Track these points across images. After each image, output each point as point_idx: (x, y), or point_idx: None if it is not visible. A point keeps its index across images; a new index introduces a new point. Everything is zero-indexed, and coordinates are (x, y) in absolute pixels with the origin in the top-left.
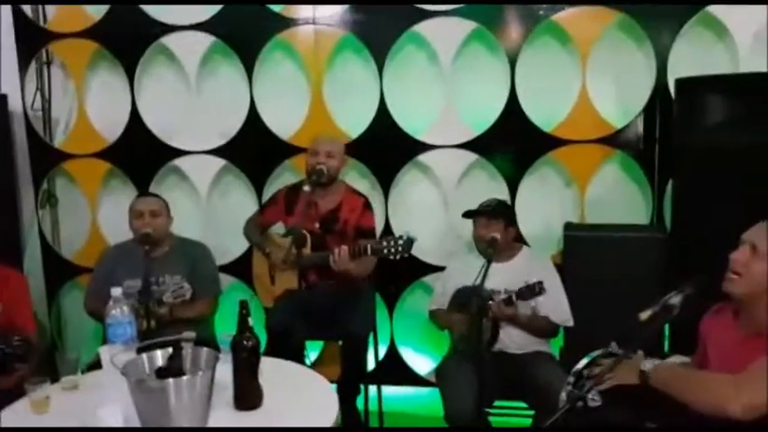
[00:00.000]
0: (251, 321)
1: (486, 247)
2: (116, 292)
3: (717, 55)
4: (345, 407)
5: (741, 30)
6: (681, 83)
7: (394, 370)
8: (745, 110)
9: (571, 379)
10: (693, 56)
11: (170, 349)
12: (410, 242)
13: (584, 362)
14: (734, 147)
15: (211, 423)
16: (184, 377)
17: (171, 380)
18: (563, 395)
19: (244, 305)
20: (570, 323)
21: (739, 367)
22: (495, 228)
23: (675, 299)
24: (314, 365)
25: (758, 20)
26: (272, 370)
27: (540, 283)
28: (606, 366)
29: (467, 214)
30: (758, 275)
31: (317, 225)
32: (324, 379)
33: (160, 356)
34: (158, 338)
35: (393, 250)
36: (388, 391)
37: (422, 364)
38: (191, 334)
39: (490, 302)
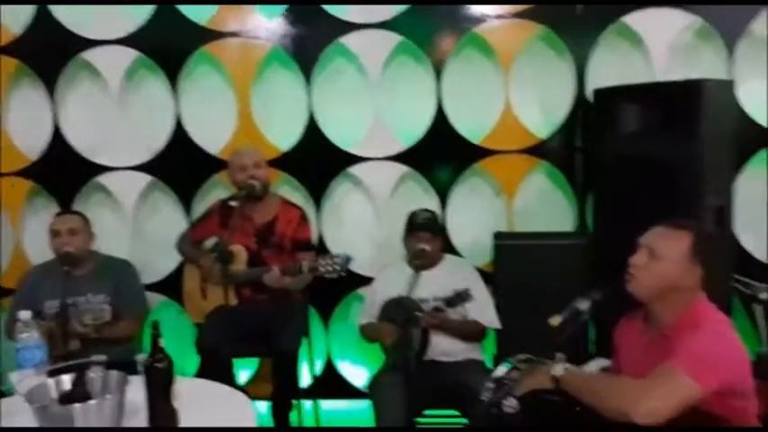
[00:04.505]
0: (162, 342)
1: (418, 258)
2: (25, 315)
3: (634, 65)
4: (279, 424)
5: (656, 39)
6: (599, 93)
7: (331, 384)
8: (660, 118)
9: (490, 385)
10: (612, 66)
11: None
12: (347, 260)
13: (503, 368)
14: (648, 154)
15: None
16: (91, 402)
17: (76, 405)
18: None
19: (155, 326)
20: (497, 325)
21: (647, 370)
22: (426, 239)
23: (584, 304)
24: (249, 383)
25: (672, 29)
26: (191, 390)
27: (468, 290)
28: (522, 372)
29: (411, 229)
30: (656, 277)
31: (253, 239)
32: (243, 396)
33: (68, 381)
34: (69, 362)
35: (330, 269)
36: (326, 405)
37: (359, 376)
38: (101, 357)
39: (419, 312)
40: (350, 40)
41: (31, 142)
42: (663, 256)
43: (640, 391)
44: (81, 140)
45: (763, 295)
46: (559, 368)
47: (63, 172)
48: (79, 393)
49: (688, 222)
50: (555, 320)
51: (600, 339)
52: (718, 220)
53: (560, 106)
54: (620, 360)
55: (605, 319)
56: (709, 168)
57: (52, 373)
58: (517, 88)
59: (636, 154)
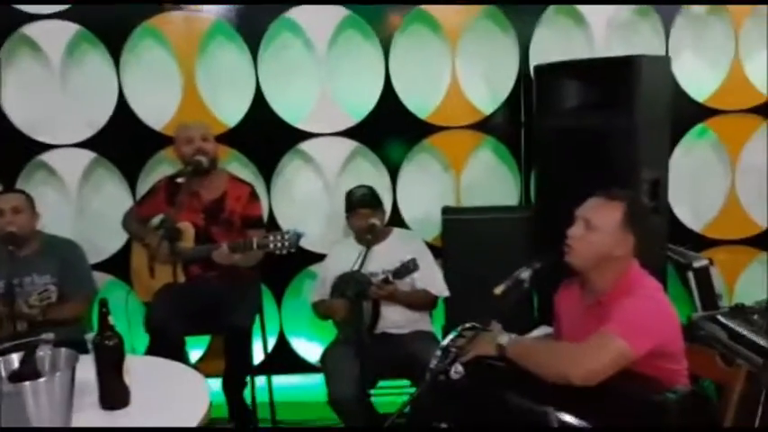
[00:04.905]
0: (111, 320)
1: (365, 233)
2: None
3: (575, 41)
4: (232, 400)
5: (596, 16)
6: (539, 69)
7: (284, 359)
8: (598, 94)
9: (438, 353)
10: (553, 42)
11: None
12: (297, 237)
13: (450, 336)
14: (587, 128)
15: (76, 424)
16: (40, 380)
17: (27, 383)
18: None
19: (103, 303)
20: (446, 293)
21: (585, 335)
22: (371, 214)
23: (525, 273)
24: (200, 361)
25: (612, 7)
26: (142, 368)
27: (414, 260)
28: (467, 340)
29: (350, 207)
30: (592, 246)
31: (201, 216)
32: (196, 373)
33: (16, 360)
34: (16, 342)
35: (280, 245)
36: (279, 380)
37: (312, 352)
38: (49, 335)
39: (369, 285)
40: (296, 14)
41: None
42: (597, 227)
43: (578, 355)
44: (22, 117)
45: (695, 263)
46: (505, 336)
47: (3, 151)
48: (28, 372)
49: (621, 193)
50: (498, 290)
51: (543, 307)
52: (653, 192)
53: (505, 82)
54: (560, 326)
55: (547, 288)
56: (644, 142)
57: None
58: (463, 64)
59: (575, 128)
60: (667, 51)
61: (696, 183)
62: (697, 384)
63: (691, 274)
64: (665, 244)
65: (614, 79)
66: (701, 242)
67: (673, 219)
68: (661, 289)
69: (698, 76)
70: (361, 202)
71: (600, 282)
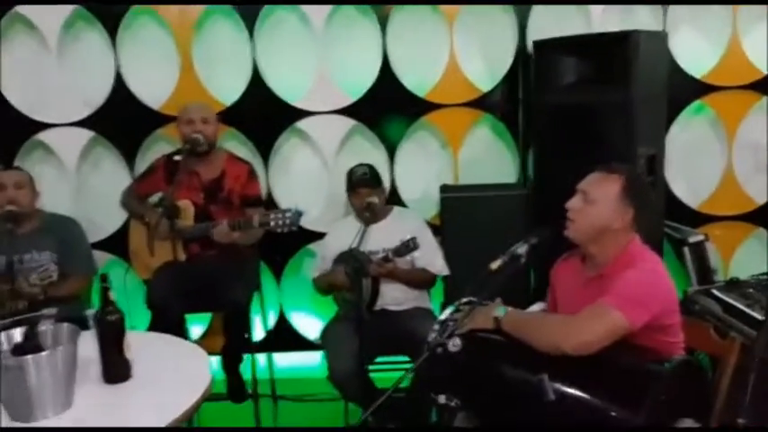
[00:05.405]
0: (112, 295)
1: (365, 211)
2: None
3: (573, 17)
4: (230, 375)
5: None
6: (538, 45)
7: (284, 337)
8: (596, 69)
9: (436, 327)
10: (551, 18)
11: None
12: (298, 215)
13: (448, 311)
14: (585, 104)
15: (79, 397)
16: (42, 353)
17: (29, 356)
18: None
19: (104, 278)
20: (446, 272)
21: (582, 307)
22: (371, 193)
23: (522, 248)
24: (201, 338)
25: None
26: (143, 343)
27: (414, 238)
28: (464, 313)
29: (351, 186)
30: (590, 220)
31: (200, 195)
32: (198, 348)
33: (18, 334)
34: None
35: (281, 223)
36: (280, 360)
37: (312, 329)
38: (51, 310)
39: (369, 262)
40: None
41: None
42: (595, 199)
43: (573, 326)
44: (19, 96)
45: (691, 239)
46: (501, 309)
47: (1, 129)
48: (31, 346)
49: (620, 167)
50: (494, 264)
51: (540, 284)
52: (650, 168)
53: (503, 59)
54: (556, 299)
55: (545, 265)
56: (641, 118)
57: (2, 328)
58: (461, 41)
59: (573, 104)
60: (665, 27)
61: (693, 159)
62: (692, 357)
63: (686, 250)
64: (662, 219)
65: (611, 55)
66: (697, 218)
67: (669, 195)
68: (661, 263)
69: (696, 53)
70: (361, 181)
71: (600, 255)
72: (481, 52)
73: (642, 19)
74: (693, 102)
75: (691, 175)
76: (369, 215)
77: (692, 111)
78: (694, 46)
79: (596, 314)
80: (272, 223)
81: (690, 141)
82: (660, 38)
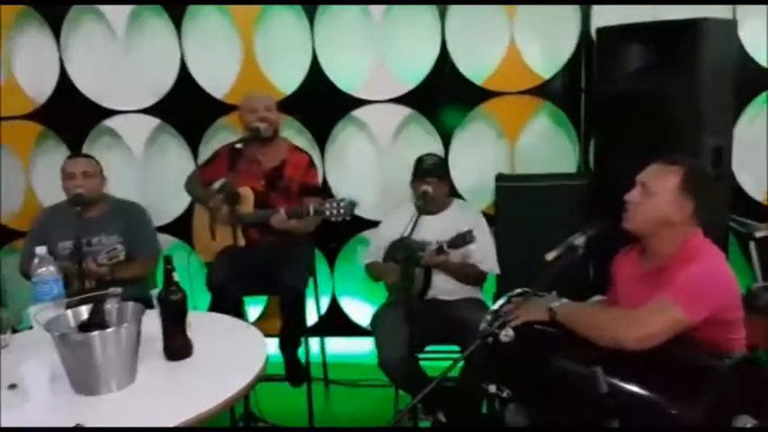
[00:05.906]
0: (176, 276)
1: (420, 200)
2: (40, 250)
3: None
4: (288, 359)
5: None
6: (601, 32)
7: (337, 322)
8: (662, 57)
9: (488, 317)
10: (616, 5)
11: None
12: (352, 206)
13: (500, 301)
14: (649, 93)
15: (141, 372)
16: (108, 329)
17: (95, 333)
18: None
19: (168, 260)
20: (496, 271)
21: (642, 302)
22: (429, 182)
23: (579, 240)
24: (258, 320)
25: None
26: (204, 323)
27: (470, 231)
28: (517, 304)
29: (417, 173)
30: (649, 213)
31: (261, 182)
32: (255, 329)
33: (85, 312)
34: (85, 295)
35: (335, 212)
36: (331, 347)
37: (364, 315)
38: (117, 289)
39: (422, 252)
40: None
41: (38, 86)
42: (654, 192)
43: (633, 320)
44: (87, 84)
45: (758, 233)
46: (557, 301)
47: (71, 115)
48: (96, 323)
49: (680, 158)
50: (550, 255)
51: (598, 278)
52: (716, 159)
53: (565, 46)
54: (616, 292)
55: (605, 259)
56: (708, 108)
57: (69, 306)
58: (521, 28)
59: (637, 93)
60: (734, 16)
61: (762, 151)
62: (754, 354)
63: (752, 244)
64: (727, 213)
65: (678, 43)
66: (764, 212)
67: (736, 188)
68: (723, 257)
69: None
70: (428, 171)
71: (660, 248)
72: (542, 38)
73: (711, 8)
74: (762, 92)
75: (759, 168)
76: (421, 204)
77: (761, 102)
78: (763, 34)
79: (658, 309)
80: (327, 212)
81: (759, 133)
82: (730, 26)
